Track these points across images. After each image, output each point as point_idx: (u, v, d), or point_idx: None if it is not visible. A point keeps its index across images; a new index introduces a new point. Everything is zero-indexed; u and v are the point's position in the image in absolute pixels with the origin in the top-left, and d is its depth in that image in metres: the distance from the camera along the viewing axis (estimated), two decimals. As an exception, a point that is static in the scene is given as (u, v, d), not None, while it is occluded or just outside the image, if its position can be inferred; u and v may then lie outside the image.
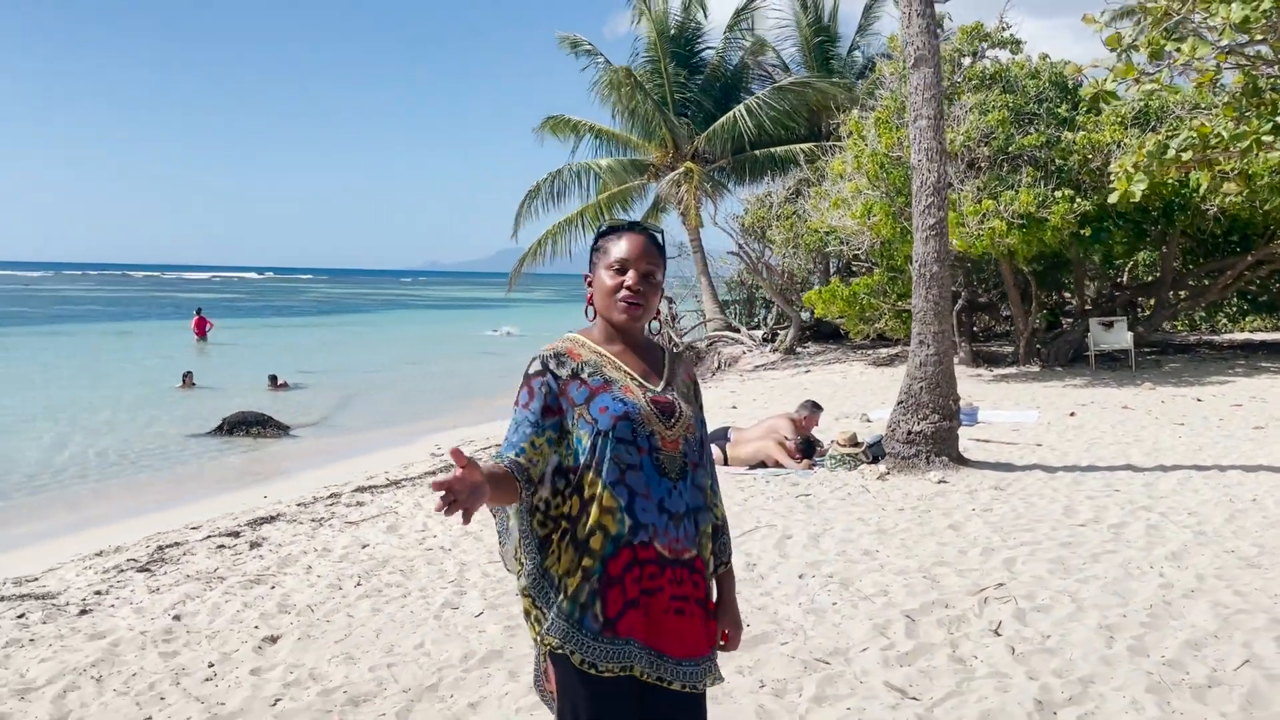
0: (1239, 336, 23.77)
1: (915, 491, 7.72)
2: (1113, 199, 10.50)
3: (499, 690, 4.10)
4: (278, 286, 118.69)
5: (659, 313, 2.52)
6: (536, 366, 2.35)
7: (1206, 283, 18.51)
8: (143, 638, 4.92)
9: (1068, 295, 21.65)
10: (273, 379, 19.85)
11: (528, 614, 2.35)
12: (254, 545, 7.08)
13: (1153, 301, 20.78)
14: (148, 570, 6.49)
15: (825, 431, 10.13)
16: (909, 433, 8.22)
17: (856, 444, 8.74)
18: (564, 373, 2.34)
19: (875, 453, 8.73)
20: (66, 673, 4.46)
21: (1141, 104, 15.95)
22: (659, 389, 2.41)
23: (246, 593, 5.67)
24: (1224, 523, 6.52)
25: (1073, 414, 11.91)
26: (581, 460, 2.29)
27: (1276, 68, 9.53)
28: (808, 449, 8.97)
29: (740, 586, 5.32)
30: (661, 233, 2.49)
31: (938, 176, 8.01)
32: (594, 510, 2.27)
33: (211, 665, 4.50)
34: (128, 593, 5.91)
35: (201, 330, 31.81)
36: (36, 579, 6.58)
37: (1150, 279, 20.47)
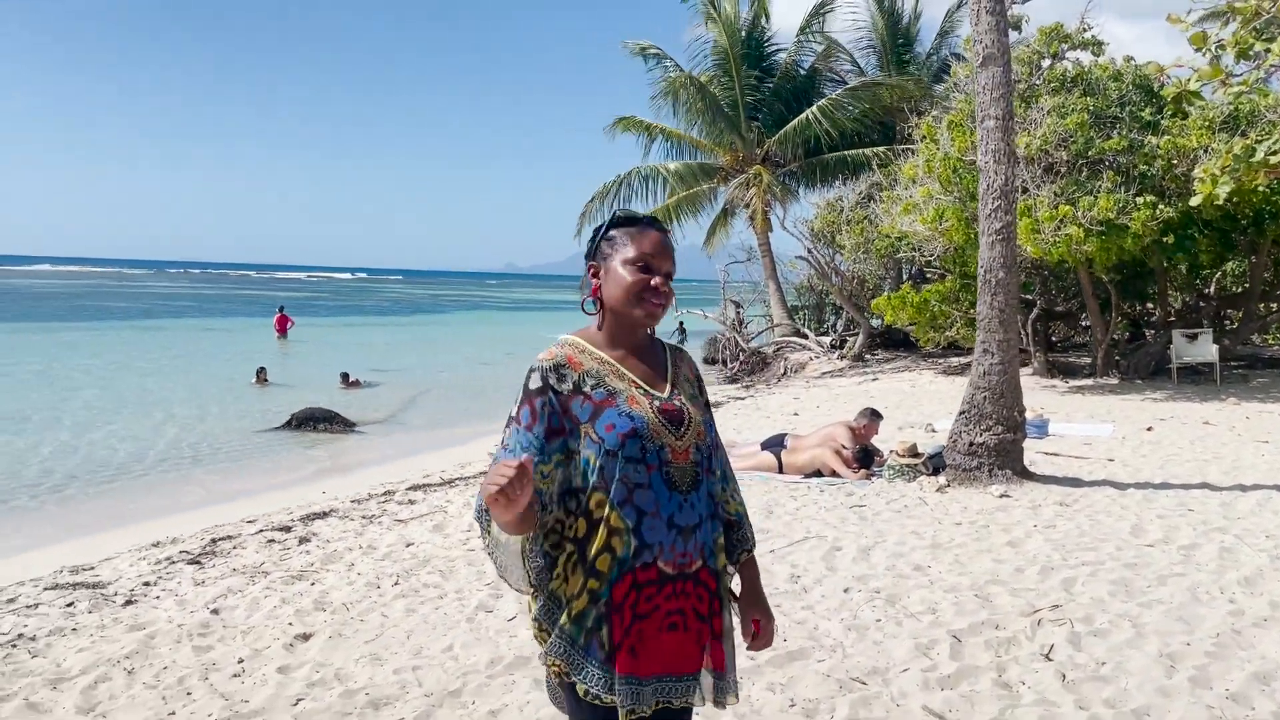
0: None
1: (975, 505, 7.44)
2: (1194, 202, 10.04)
3: (521, 699, 4.01)
4: (361, 287, 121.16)
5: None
6: (536, 382, 2.22)
7: (1300, 294, 17.68)
8: (179, 630, 4.94)
9: (1150, 305, 20.92)
10: (344, 376, 20.16)
11: (535, 628, 2.25)
12: (302, 541, 7.12)
13: (1240, 313, 19.99)
14: (197, 563, 6.56)
15: (886, 441, 9.87)
16: (971, 444, 7.94)
17: (916, 455, 8.48)
18: (565, 387, 2.22)
19: (935, 464, 8.46)
20: (100, 664, 4.49)
21: (1231, 107, 15.32)
22: (666, 395, 2.29)
23: (287, 589, 5.68)
24: (1305, 547, 6.14)
25: (1150, 429, 11.43)
26: (590, 481, 2.18)
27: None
28: (865, 459, 8.73)
29: (781, 599, 5.17)
30: (663, 223, 2.41)
31: (1005, 179, 7.72)
32: (601, 532, 2.15)
33: (241, 661, 4.50)
34: (174, 584, 5.98)
35: (283, 328, 32.54)
36: (93, 568, 6.71)
37: (1238, 290, 19.64)
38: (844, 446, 8.75)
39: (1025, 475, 8.05)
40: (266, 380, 19.95)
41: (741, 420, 13.30)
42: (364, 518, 7.90)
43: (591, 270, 2.33)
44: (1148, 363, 16.96)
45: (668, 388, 2.32)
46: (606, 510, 2.16)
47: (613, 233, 2.33)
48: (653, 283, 2.25)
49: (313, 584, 5.76)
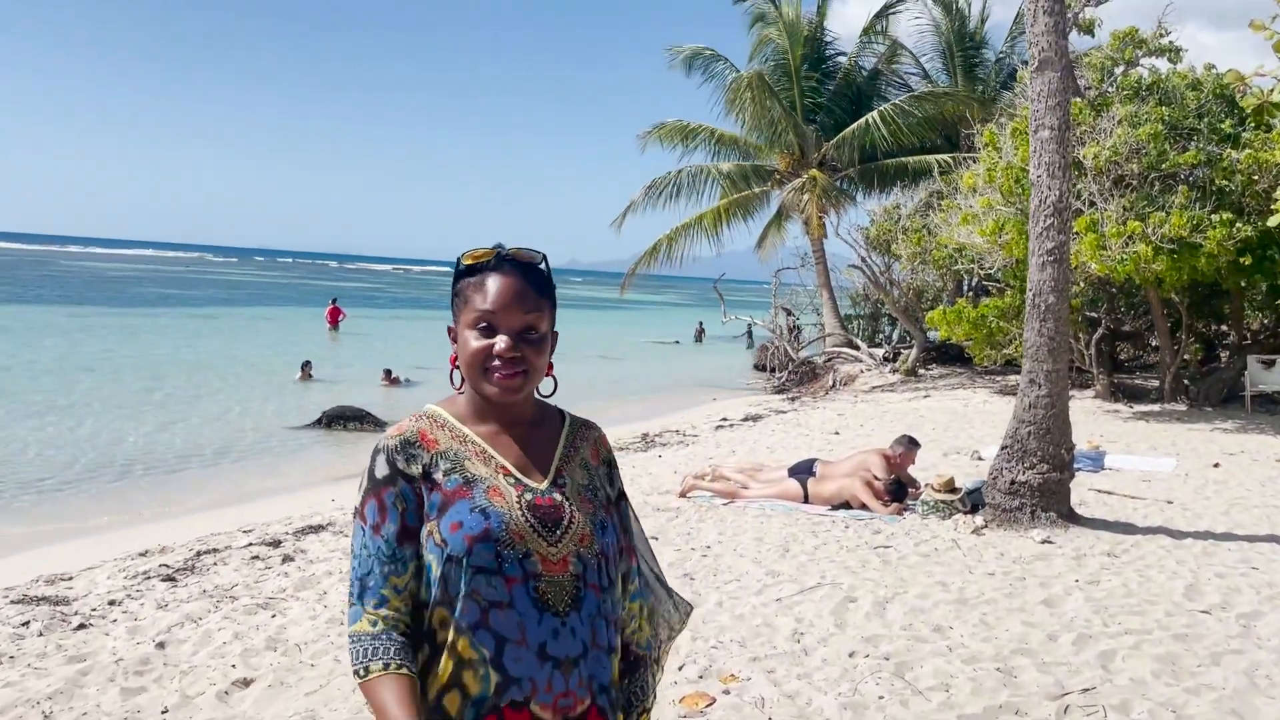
0: None
1: (1013, 552, 6.80)
2: (1273, 222, 9.27)
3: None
4: (424, 280, 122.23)
5: (551, 367, 1.88)
6: (382, 468, 1.74)
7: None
8: (117, 667, 4.56)
9: (1226, 326, 19.80)
10: (387, 373, 19.91)
11: None
12: (286, 559, 6.75)
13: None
14: (172, 580, 6.23)
15: (925, 470, 9.23)
16: (1012, 483, 7.29)
17: (954, 490, 7.84)
18: (414, 471, 1.74)
19: (974, 500, 7.81)
20: (19, 704, 4.12)
21: (1321, 120, 14.32)
22: (543, 486, 1.79)
23: (246, 620, 5.28)
24: (1386, 623, 5.42)
25: (1217, 465, 10.60)
26: (432, 594, 1.70)
27: None
28: (899, 491, 8.11)
29: (777, 662, 4.63)
30: (543, 259, 1.86)
31: (1059, 195, 7.06)
32: (446, 663, 1.67)
33: (166, 711, 4.09)
34: (137, 605, 5.63)
35: (334, 320, 32.56)
36: (70, 579, 6.44)
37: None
38: (876, 477, 8.14)
39: (1071, 518, 7.37)
40: (311, 375, 19.78)
41: (778, 438, 12.71)
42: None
43: (450, 334, 1.85)
44: (1220, 389, 15.98)
45: (549, 476, 1.82)
46: (452, 635, 1.67)
47: (457, 285, 1.84)
48: (495, 348, 1.75)
49: (274, 616, 5.35)
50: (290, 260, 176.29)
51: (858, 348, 21.79)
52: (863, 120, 21.18)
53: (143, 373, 19.68)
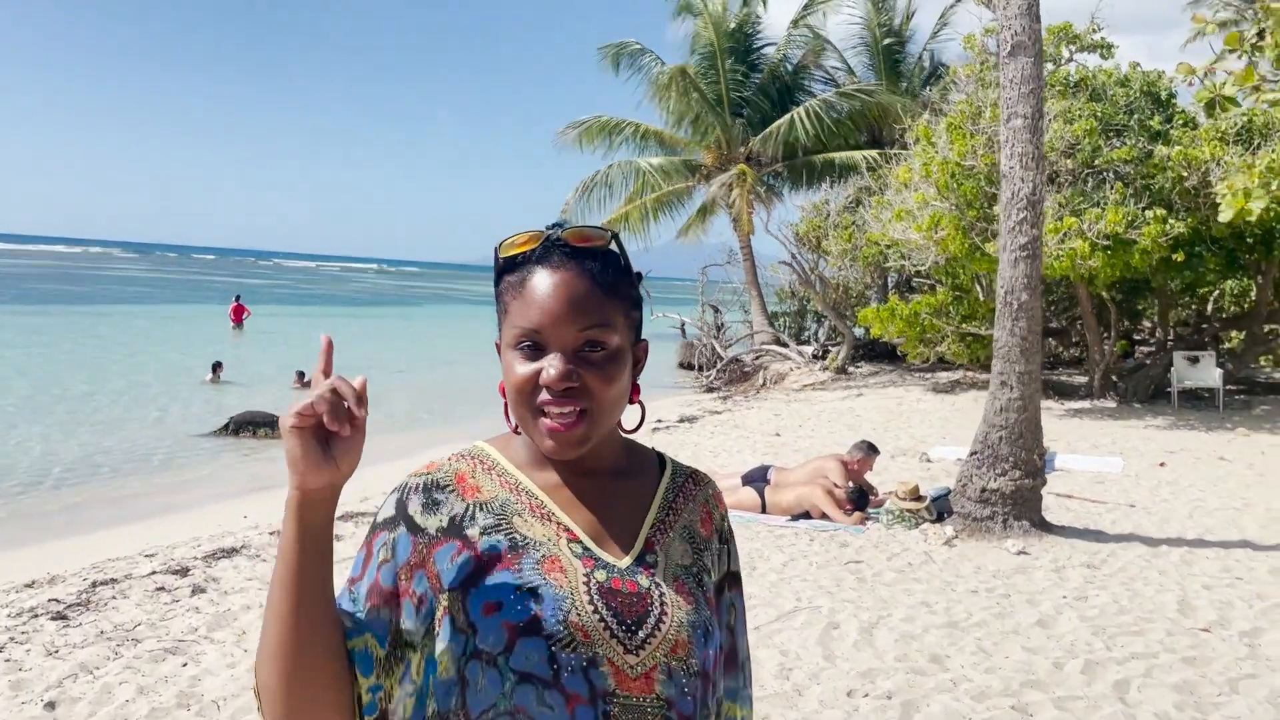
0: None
1: (990, 565, 6.42)
2: (1224, 217, 9.05)
3: None
4: (334, 275, 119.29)
5: (637, 391, 1.32)
6: (388, 509, 1.22)
7: (1307, 317, 16.85)
8: (-7, 738, 3.82)
9: (1144, 324, 20.08)
10: (299, 375, 18.88)
11: None
12: (197, 590, 6.00)
13: (1236, 334, 19.16)
14: (63, 619, 5.43)
15: (879, 474, 8.86)
16: (983, 490, 6.92)
17: (919, 498, 7.44)
18: (433, 524, 1.19)
19: (940, 508, 7.43)
20: None
21: (1245, 119, 14.46)
22: (624, 563, 1.24)
23: (153, 669, 4.56)
24: (1387, 636, 5.16)
25: (1163, 464, 10.49)
26: (443, 708, 1.15)
27: None
28: (860, 499, 7.69)
29: (770, 705, 4.11)
30: (612, 238, 1.29)
31: (1033, 187, 6.70)
32: None
33: (54, 798, 3.38)
34: (22, 653, 4.84)
35: (238, 317, 31.13)
36: (-61, 619, 5.56)
37: (1239, 310, 18.82)
38: (836, 485, 7.71)
39: (1044, 527, 7.04)
40: (220, 377, 18.61)
41: (719, 441, 12.25)
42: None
43: (499, 350, 1.29)
44: (1147, 386, 16.07)
45: (635, 549, 1.26)
46: None
47: (501, 284, 1.29)
48: (542, 377, 1.20)
49: (185, 664, 4.63)
50: (213, 256, 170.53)
51: (786, 345, 21.51)
52: (789, 115, 20.89)
53: (32, 375, 18.32)
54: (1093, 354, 16.30)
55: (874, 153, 20.24)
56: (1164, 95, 15.32)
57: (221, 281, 73.34)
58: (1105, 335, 16.36)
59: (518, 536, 1.20)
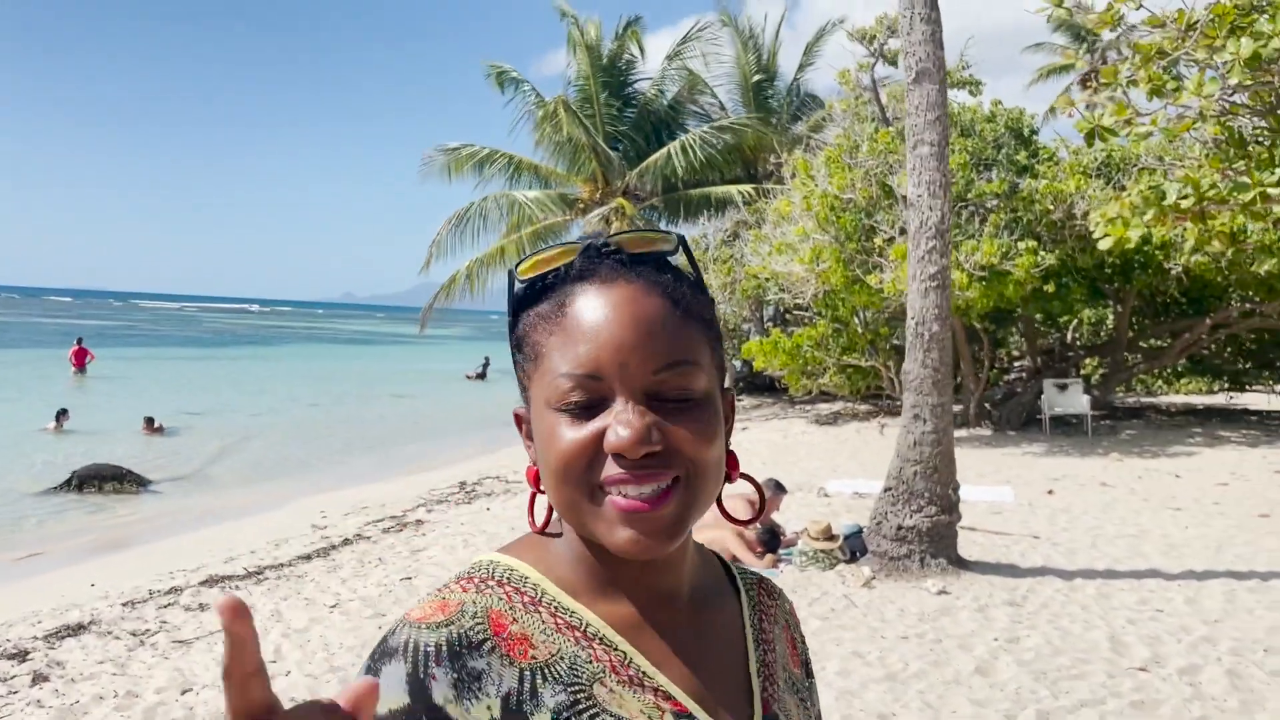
0: (1178, 399, 23.10)
1: (913, 607, 6.15)
2: (1104, 245, 9.28)
3: None
4: (185, 316, 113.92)
5: (735, 464, 0.96)
6: (395, 694, 0.73)
7: (1163, 344, 17.62)
8: None
9: (1008, 354, 20.67)
10: (149, 421, 17.56)
11: None
12: (38, 680, 5.17)
13: (1094, 362, 19.93)
14: None
15: (784, 513, 8.58)
16: (899, 528, 6.68)
17: (832, 537, 7.16)
18: (481, 712, 0.75)
19: (853, 547, 7.16)
20: None
21: (1105, 154, 15.06)
22: None
23: (-20, 789, 3.80)
24: (1315, 666, 5.09)
25: (1051, 491, 10.58)
26: None
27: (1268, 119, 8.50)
28: (771, 541, 7.36)
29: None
30: (678, 246, 0.90)
31: (941, 215, 6.57)
32: None
33: None
34: None
35: (80, 362, 29.01)
36: None
37: (1100, 339, 19.57)
38: (744, 525, 7.36)
39: (960, 564, 6.84)
40: (64, 426, 17.07)
41: (609, 480, 11.80)
42: (133, 635, 5.98)
43: (518, 422, 0.94)
44: (1020, 413, 16.46)
45: (754, 715, 0.90)
46: None
47: (526, 316, 0.89)
48: (609, 439, 0.80)
49: (22, 780, 3.89)
50: (70, 299, 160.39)
51: (665, 380, 21.27)
52: (665, 149, 20.81)
53: None
54: (968, 383, 16.59)
55: (749, 187, 20.33)
56: (1027, 132, 15.83)
57: (70, 324, 68.93)
58: (979, 365, 16.70)
59: (609, 716, 0.77)
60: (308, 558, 7.97)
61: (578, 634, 0.83)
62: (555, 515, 0.87)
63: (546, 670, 0.79)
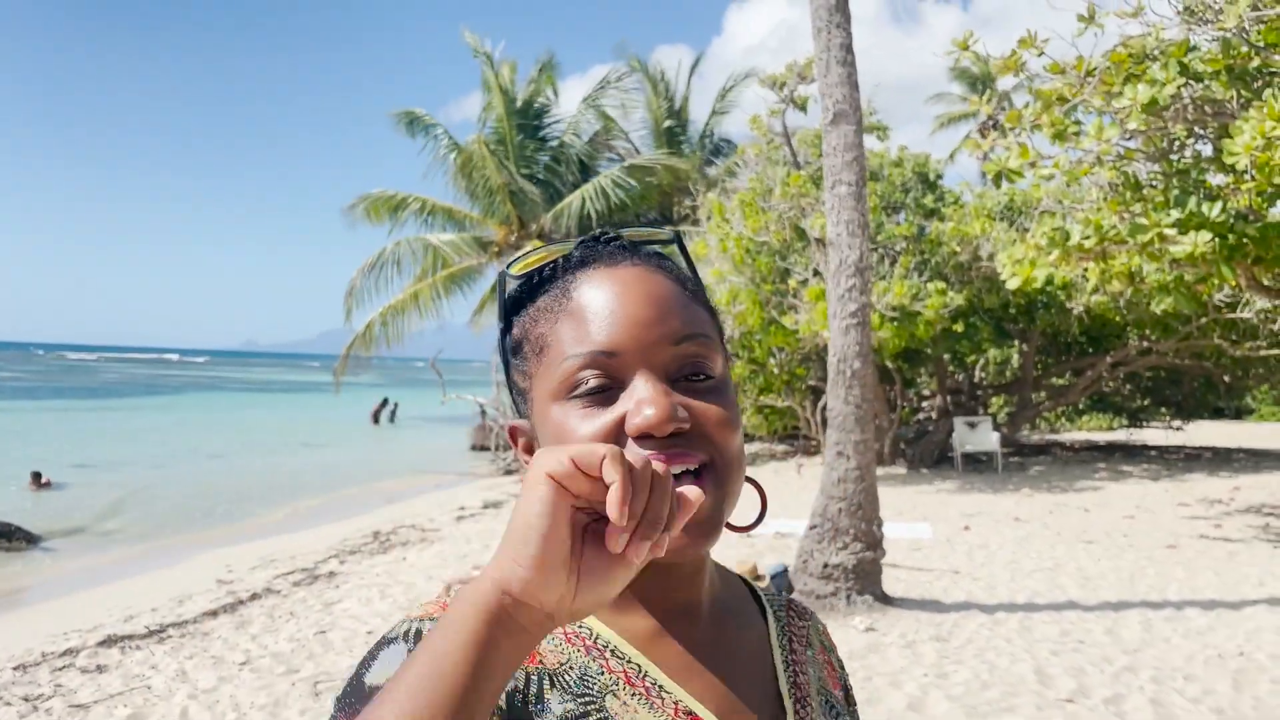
0: (1080, 436, 23.87)
1: (841, 644, 6.11)
2: (1012, 285, 9.56)
3: None
4: (73, 365, 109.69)
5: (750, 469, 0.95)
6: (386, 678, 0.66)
7: (1066, 383, 18.18)
8: None
9: (917, 393, 21.10)
10: (35, 476, 16.73)
11: None
12: (-87, 756, 4.77)
13: (1000, 400, 20.49)
14: None
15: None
16: (825, 565, 6.66)
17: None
18: None
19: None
20: None
21: (1007, 197, 15.56)
22: None
23: None
24: (1232, 691, 5.19)
25: (967, 527, 10.73)
26: None
27: (1161, 163, 8.88)
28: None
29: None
30: (674, 239, 0.88)
31: (860, 254, 6.63)
32: None
33: None
34: None
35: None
36: None
37: (1006, 378, 20.11)
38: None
39: (885, 600, 6.84)
40: None
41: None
42: (26, 699, 5.57)
43: (511, 435, 0.86)
44: (932, 451, 16.76)
45: None
46: None
47: (513, 330, 0.85)
48: (633, 420, 0.74)
49: None
50: None
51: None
52: (579, 191, 20.85)
53: None
54: (881, 422, 16.84)
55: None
56: (932, 176, 16.30)
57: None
58: (892, 404, 16.99)
59: None
60: (214, 614, 7.59)
61: (587, 644, 0.78)
62: None
63: (554, 678, 0.75)
